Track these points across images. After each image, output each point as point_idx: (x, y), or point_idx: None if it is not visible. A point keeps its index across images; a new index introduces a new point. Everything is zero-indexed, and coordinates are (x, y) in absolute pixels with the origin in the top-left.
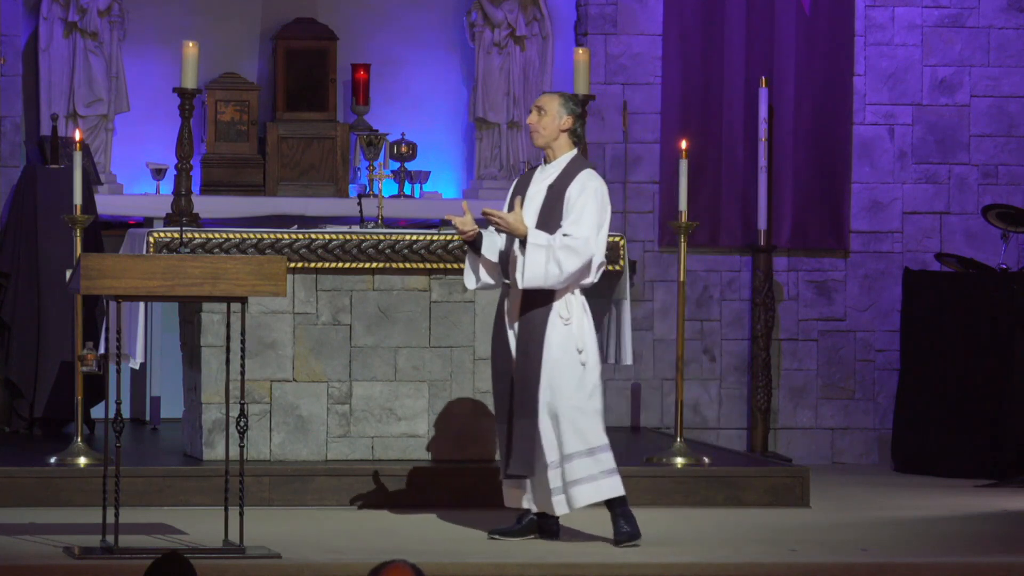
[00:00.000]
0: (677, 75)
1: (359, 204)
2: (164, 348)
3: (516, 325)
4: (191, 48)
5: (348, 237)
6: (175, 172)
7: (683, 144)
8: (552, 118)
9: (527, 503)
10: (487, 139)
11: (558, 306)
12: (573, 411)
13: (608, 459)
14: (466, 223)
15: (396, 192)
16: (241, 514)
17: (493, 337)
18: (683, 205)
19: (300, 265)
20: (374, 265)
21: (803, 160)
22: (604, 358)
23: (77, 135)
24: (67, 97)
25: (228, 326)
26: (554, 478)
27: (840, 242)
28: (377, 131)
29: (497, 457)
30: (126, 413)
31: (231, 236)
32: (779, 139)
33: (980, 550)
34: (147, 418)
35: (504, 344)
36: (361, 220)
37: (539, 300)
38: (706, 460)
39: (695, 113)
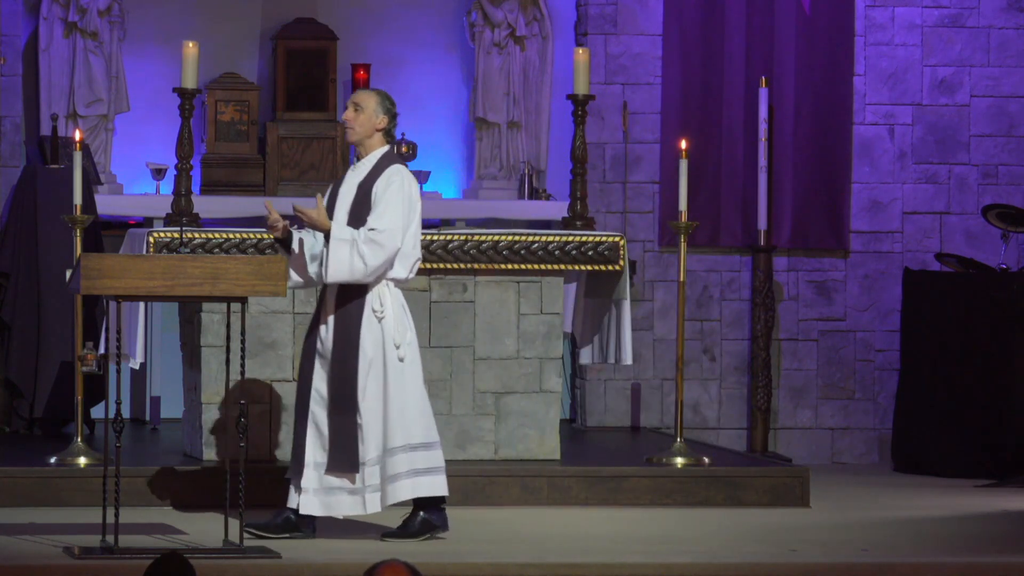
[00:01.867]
0: (677, 75)
1: None
2: (164, 348)
3: (331, 322)
4: (191, 48)
5: None
6: (175, 172)
7: (683, 144)
8: (368, 116)
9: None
10: (487, 139)
11: (370, 299)
12: (387, 408)
13: (428, 457)
14: (275, 221)
15: None
16: (241, 514)
17: (306, 335)
18: (683, 205)
19: None
20: None
21: (803, 160)
22: (604, 358)
23: (77, 135)
24: (67, 97)
25: (228, 326)
26: (371, 475)
27: (840, 242)
28: None
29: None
30: (126, 413)
31: (231, 236)
32: (779, 139)
33: (980, 550)
34: (147, 418)
35: (313, 344)
36: None
37: (352, 296)
38: (706, 460)
39: (695, 113)
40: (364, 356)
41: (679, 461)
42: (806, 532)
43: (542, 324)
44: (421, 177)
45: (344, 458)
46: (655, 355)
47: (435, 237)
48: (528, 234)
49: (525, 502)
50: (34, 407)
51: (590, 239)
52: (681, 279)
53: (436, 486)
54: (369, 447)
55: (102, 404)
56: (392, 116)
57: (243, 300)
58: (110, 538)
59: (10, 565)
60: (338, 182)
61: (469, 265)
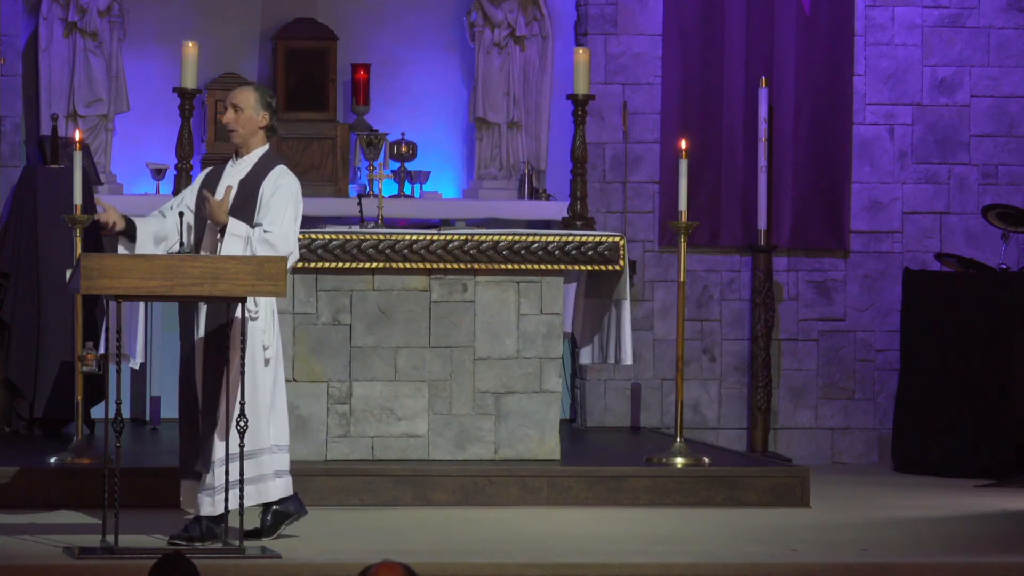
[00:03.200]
0: (677, 75)
1: (359, 204)
2: (164, 348)
3: (203, 319)
4: (191, 48)
5: (348, 237)
6: (175, 172)
7: (683, 144)
8: (249, 115)
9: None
10: (487, 139)
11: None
12: (249, 409)
13: (285, 460)
14: (110, 216)
15: (396, 192)
16: (241, 514)
17: (181, 338)
18: (683, 205)
19: (300, 265)
20: (374, 265)
21: (803, 160)
22: (604, 358)
23: (77, 135)
24: (67, 97)
25: (227, 325)
26: (220, 475)
27: (840, 242)
28: (377, 131)
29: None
30: (126, 413)
31: None
32: (779, 139)
33: (980, 550)
34: (147, 418)
35: (191, 344)
36: (361, 220)
37: None
38: (706, 460)
39: (695, 113)
40: (233, 354)
41: (679, 461)
42: (806, 532)
43: (542, 324)
44: (421, 177)
45: (204, 458)
46: (655, 355)
47: (435, 237)
48: (528, 234)
49: (525, 502)
50: (34, 407)
51: (590, 239)
52: (681, 279)
53: (287, 487)
54: (219, 448)
55: (102, 404)
56: (273, 111)
57: (243, 300)
58: (110, 538)
59: (10, 565)
60: (215, 173)
61: (469, 265)
